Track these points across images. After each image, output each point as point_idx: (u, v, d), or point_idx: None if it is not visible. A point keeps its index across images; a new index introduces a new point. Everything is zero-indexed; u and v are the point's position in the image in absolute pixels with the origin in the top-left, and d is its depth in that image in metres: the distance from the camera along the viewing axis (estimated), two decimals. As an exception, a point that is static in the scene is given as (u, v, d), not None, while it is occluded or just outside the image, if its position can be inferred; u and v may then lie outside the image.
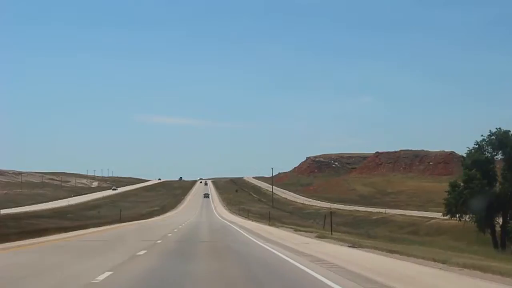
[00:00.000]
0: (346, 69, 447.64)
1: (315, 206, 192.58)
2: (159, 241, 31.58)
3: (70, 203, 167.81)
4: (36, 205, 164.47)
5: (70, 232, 44.86)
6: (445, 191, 62.08)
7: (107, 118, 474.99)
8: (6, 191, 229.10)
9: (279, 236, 37.82)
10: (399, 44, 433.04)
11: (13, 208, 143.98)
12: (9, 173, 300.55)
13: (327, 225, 69.39)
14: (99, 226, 59.20)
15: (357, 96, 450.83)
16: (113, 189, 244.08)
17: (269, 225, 63.97)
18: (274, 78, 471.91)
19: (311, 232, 44.94)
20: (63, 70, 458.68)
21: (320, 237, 37.52)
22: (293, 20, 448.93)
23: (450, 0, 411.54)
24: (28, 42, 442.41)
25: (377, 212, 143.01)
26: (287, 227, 56.24)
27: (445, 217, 65.58)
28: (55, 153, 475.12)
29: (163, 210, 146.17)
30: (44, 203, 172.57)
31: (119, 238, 35.99)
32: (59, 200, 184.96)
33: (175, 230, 46.16)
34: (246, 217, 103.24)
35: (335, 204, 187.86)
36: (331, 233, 42.20)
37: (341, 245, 29.48)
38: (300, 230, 47.85)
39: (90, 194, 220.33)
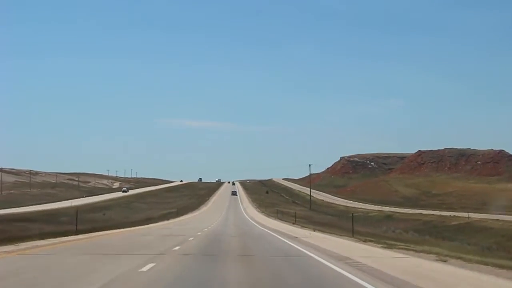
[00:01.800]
0: (374, 71, 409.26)
1: (361, 208, 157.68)
2: None
3: (72, 204, 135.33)
4: (34, 206, 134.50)
5: None
6: None
7: (132, 120, 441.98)
8: (12, 191, 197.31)
9: None
10: (429, 47, 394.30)
11: (2, 209, 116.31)
12: (25, 173, 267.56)
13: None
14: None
15: (386, 99, 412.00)
16: (123, 191, 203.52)
17: (383, 246, 26.81)
18: (302, 80, 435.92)
19: None
20: (89, 73, 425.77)
21: None
22: (321, 22, 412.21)
23: (480, 3, 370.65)
24: (49, 42, 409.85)
25: (453, 217, 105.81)
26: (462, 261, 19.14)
27: None
28: (80, 155, 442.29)
29: (180, 212, 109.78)
30: (46, 204, 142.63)
31: None
32: (65, 201, 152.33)
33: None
34: (293, 223, 66.49)
35: (386, 207, 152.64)
36: None
37: None
38: None
39: (104, 195, 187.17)
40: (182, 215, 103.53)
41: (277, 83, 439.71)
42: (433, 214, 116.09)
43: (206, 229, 44.25)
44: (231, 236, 34.71)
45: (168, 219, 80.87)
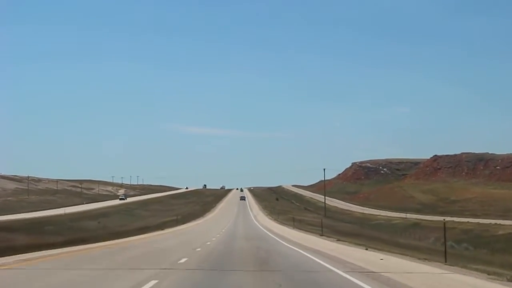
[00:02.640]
0: (381, 78, 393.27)
1: (380, 215, 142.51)
2: None
3: (66, 212, 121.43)
4: (25, 214, 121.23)
5: None
6: None
7: (137, 126, 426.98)
8: (10, 198, 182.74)
9: None
10: (438, 54, 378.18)
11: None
12: (27, 180, 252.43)
13: None
14: None
15: (394, 105, 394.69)
16: (120, 199, 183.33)
17: None
18: (307, 86, 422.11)
19: None
20: (96, 79, 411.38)
21: None
22: (328, 29, 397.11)
23: (486, 11, 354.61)
24: (51, 46, 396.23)
25: (495, 224, 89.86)
26: None
27: None
28: (86, 161, 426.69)
29: (182, 220, 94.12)
30: (39, 211, 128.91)
31: None
32: (60, 208, 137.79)
33: None
34: (320, 235, 50.44)
35: (408, 214, 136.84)
36: None
37: None
38: None
39: (105, 202, 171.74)
40: (184, 223, 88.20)
41: (283, 89, 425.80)
42: (468, 222, 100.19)
43: (199, 249, 28.01)
44: (245, 272, 17.51)
45: (163, 229, 65.25)
